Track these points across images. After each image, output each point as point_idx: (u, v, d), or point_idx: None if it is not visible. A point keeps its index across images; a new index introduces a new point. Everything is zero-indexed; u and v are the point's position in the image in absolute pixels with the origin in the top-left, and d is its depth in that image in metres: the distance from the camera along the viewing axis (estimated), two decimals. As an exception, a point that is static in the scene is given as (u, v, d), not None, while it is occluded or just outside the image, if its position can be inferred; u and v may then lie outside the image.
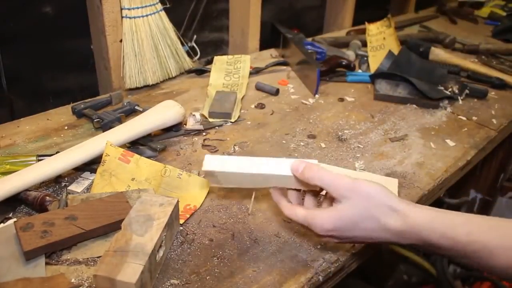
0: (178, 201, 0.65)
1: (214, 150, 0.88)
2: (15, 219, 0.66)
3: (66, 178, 0.77)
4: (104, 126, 0.89)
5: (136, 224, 0.59)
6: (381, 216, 0.55)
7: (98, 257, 0.60)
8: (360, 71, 1.32)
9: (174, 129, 0.92)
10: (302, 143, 0.92)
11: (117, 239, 0.57)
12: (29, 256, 0.58)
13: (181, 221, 0.68)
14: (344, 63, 1.25)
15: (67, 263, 0.60)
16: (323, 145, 0.92)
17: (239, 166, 0.59)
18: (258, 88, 1.16)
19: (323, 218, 0.56)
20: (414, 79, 1.13)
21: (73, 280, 0.57)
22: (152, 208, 0.62)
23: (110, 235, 0.63)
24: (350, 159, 0.87)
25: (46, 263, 0.59)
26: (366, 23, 1.36)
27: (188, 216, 0.69)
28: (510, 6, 2.07)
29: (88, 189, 0.75)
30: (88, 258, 0.61)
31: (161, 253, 0.60)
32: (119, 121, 0.91)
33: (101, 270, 0.53)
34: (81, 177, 0.77)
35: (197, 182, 0.76)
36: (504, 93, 1.23)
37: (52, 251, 0.60)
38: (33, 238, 0.58)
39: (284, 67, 1.31)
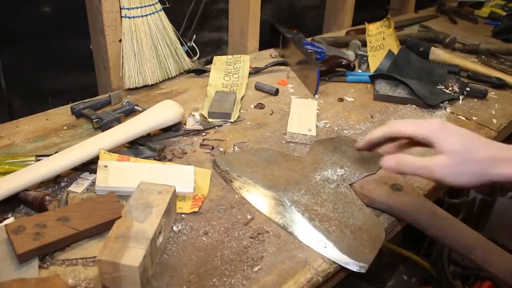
0: (175, 189, 0.67)
1: (211, 149, 0.88)
2: (13, 219, 0.66)
3: (65, 178, 0.77)
4: (103, 126, 0.89)
5: (136, 211, 0.61)
6: None
7: (93, 257, 0.60)
8: (360, 71, 1.31)
9: (174, 129, 0.91)
10: (301, 143, 0.92)
11: (118, 225, 0.58)
12: (23, 259, 0.57)
13: (195, 209, 0.70)
14: (343, 63, 1.25)
15: (63, 264, 0.59)
16: (322, 145, 0.92)
17: None
18: (258, 88, 1.16)
19: None
20: (413, 83, 1.12)
21: (70, 281, 0.57)
22: (151, 196, 0.64)
23: (103, 234, 0.64)
24: (350, 159, 0.87)
25: (40, 266, 0.58)
26: (366, 23, 1.36)
27: (200, 204, 0.71)
28: (510, 6, 2.06)
29: (88, 189, 0.75)
30: (83, 258, 0.60)
31: (160, 239, 0.61)
32: (118, 121, 0.91)
33: (104, 255, 0.54)
34: (80, 177, 0.77)
35: (198, 173, 0.78)
36: (504, 93, 1.23)
37: (45, 253, 0.60)
38: (25, 241, 0.58)
39: (284, 67, 1.31)
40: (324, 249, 0.64)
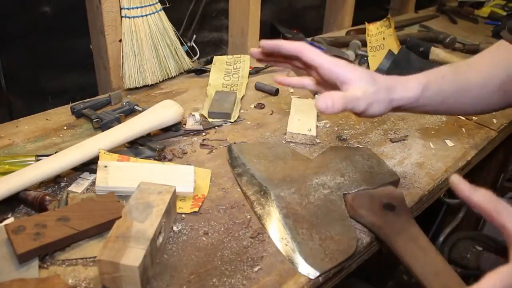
0: (175, 189, 0.67)
1: (211, 149, 0.88)
2: (13, 219, 0.66)
3: (65, 178, 0.77)
4: (103, 126, 0.89)
5: (136, 211, 0.61)
6: None
7: (93, 257, 0.60)
8: (360, 71, 1.31)
9: (174, 129, 0.91)
10: (301, 143, 0.92)
11: (118, 225, 0.59)
12: (23, 259, 0.57)
13: (195, 209, 0.70)
14: (344, 63, 1.25)
15: (63, 264, 0.59)
16: (322, 145, 0.92)
17: None
18: (258, 88, 1.16)
19: None
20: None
21: (70, 281, 0.57)
22: (151, 196, 0.64)
23: (103, 234, 0.64)
24: (350, 159, 0.87)
25: (40, 266, 0.58)
26: (366, 23, 1.36)
27: (200, 204, 0.72)
28: (510, 6, 2.06)
29: (88, 189, 0.75)
30: (83, 258, 0.60)
31: (160, 239, 0.61)
32: (118, 121, 0.91)
33: (104, 255, 0.54)
34: (80, 177, 0.77)
35: (198, 173, 0.78)
36: (504, 93, 1.22)
37: (45, 253, 0.60)
38: (25, 241, 0.58)
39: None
40: (285, 246, 0.64)
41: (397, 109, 0.66)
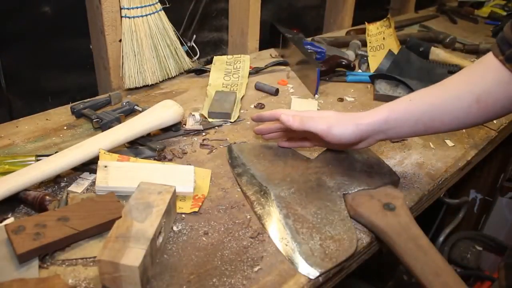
0: (175, 189, 0.67)
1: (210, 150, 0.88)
2: (13, 219, 0.66)
3: (65, 178, 0.77)
4: (103, 126, 0.89)
5: (136, 211, 0.61)
6: None
7: (93, 257, 0.60)
8: (360, 71, 1.31)
9: (174, 129, 0.91)
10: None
11: (118, 226, 0.59)
12: (23, 259, 0.57)
13: (195, 209, 0.70)
14: (344, 63, 1.25)
15: (63, 264, 0.59)
16: (322, 145, 0.92)
17: None
18: (258, 88, 1.16)
19: None
20: (413, 83, 1.12)
21: (70, 281, 0.57)
22: (151, 196, 0.64)
23: (103, 234, 0.64)
24: (350, 159, 0.87)
25: (40, 266, 0.58)
26: (366, 23, 1.36)
27: (200, 204, 0.72)
28: (510, 6, 2.07)
29: (88, 189, 0.75)
30: (83, 258, 0.60)
31: (160, 239, 0.61)
32: (118, 121, 0.91)
33: (105, 255, 0.54)
34: (80, 177, 0.77)
35: (198, 173, 0.78)
36: (504, 93, 1.22)
37: (45, 253, 0.60)
38: (25, 241, 0.58)
39: (284, 67, 1.31)
40: (285, 246, 0.64)
41: (373, 135, 0.72)
